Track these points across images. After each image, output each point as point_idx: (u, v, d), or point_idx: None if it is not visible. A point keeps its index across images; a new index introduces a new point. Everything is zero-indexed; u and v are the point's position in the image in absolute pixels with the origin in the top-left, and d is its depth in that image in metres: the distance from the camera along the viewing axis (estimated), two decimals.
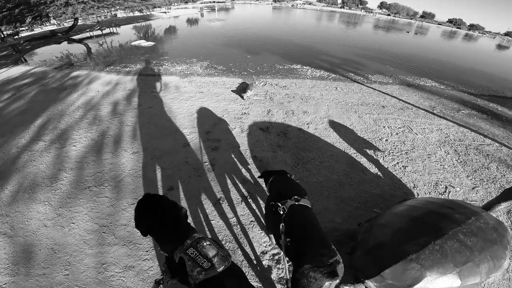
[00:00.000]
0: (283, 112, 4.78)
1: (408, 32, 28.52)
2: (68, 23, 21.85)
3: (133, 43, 13.27)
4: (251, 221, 2.53)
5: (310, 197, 2.83)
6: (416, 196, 2.99)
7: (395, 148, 3.93)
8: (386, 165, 3.50)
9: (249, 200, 2.78)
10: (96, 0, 16.36)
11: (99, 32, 20.14)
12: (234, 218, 2.57)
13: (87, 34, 19.67)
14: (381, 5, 75.20)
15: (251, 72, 7.40)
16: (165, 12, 36.55)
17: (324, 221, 2.54)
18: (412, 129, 4.58)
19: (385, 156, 3.71)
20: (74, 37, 18.75)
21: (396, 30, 28.92)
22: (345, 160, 3.54)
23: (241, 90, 5.62)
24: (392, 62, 10.49)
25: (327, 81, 6.96)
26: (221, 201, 2.74)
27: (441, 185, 3.20)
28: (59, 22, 23.41)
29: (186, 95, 5.60)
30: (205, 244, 1.24)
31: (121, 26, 24.03)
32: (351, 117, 4.77)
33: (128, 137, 4.07)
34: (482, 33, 60.49)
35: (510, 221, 2.74)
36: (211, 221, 2.53)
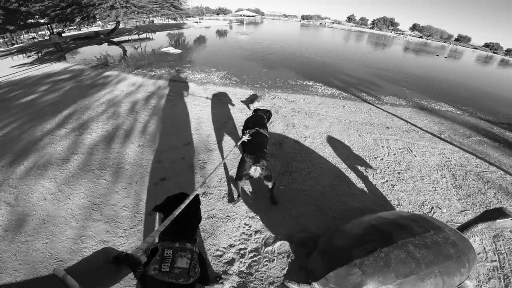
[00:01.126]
0: (284, 124, 4.99)
1: (438, 55, 27.68)
2: (110, 26, 23.96)
3: (162, 49, 14.31)
4: (227, 216, 2.74)
5: (290, 202, 2.99)
6: None
7: (388, 167, 3.94)
8: (374, 182, 3.55)
9: (229, 197, 3.00)
10: (137, 6, 17.89)
11: (136, 37, 21.95)
12: (214, 211, 2.79)
13: (126, 38, 21.52)
14: (414, 27, 73.62)
15: (263, 86, 7.73)
16: (197, 22, 38.93)
17: (297, 225, 2.68)
18: (411, 151, 4.55)
19: (376, 173, 3.75)
20: (114, 39, 20.59)
21: (426, 53, 28.31)
22: (333, 173, 3.64)
23: (250, 101, 5.93)
24: (410, 84, 10.37)
25: (336, 99, 7.09)
26: (205, 195, 2.99)
27: (427, 205, 3.18)
28: (103, 24, 25.85)
29: (198, 101, 6.02)
30: (184, 255, 1.27)
31: (156, 32, 25.97)
32: (351, 135, 4.86)
33: (138, 132, 4.50)
34: None
35: (495, 245, 2.68)
36: None
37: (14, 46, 21.96)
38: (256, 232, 2.58)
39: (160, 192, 3.02)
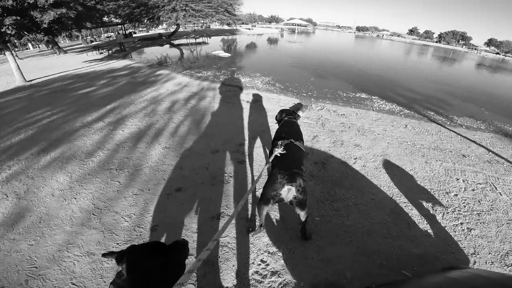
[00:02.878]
0: (330, 140, 4.24)
1: None
2: (173, 29, 25.97)
3: (213, 52, 14.69)
4: (242, 247, 2.18)
5: (325, 239, 2.32)
6: (468, 266, 2.14)
7: (465, 206, 2.97)
8: (444, 223, 2.66)
9: (250, 223, 2.44)
10: (195, 9, 18.99)
11: (193, 40, 23.34)
12: (226, 238, 2.26)
13: (184, 41, 23.02)
14: (490, 42, 63.63)
15: (310, 95, 7.04)
16: (249, 29, 40.06)
17: (329, 271, 2.00)
18: (496, 188, 3.43)
19: (447, 212, 2.83)
20: (173, 42, 22.19)
21: (506, 70, 23.93)
22: (388, 207, 2.81)
23: (295, 109, 5.34)
24: (490, 105, 8.44)
25: (396, 116, 6.00)
26: (220, 217, 2.48)
27: None
28: (167, 27, 28.30)
29: (238, 106, 5.66)
30: None
31: (211, 37, 27.34)
32: (415, 161, 3.87)
33: (168, 132, 4.28)
34: None
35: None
36: (198, 234, 2.30)
37: (93, 43, 25.31)
38: (273, 273, 1.97)
39: (171, 205, 2.62)
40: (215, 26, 38.39)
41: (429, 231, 2.56)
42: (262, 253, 2.14)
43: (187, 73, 9.38)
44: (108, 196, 2.75)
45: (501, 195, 3.30)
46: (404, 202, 2.94)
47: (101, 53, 16.46)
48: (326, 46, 25.45)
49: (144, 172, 3.16)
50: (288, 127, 2.57)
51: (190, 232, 2.32)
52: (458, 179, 3.53)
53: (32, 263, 2.00)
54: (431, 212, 2.83)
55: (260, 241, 2.25)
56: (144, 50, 17.26)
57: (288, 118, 2.77)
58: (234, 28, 32.12)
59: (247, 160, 3.53)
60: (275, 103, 6.00)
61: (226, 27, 31.26)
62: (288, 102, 6.13)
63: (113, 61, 13.09)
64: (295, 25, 49.46)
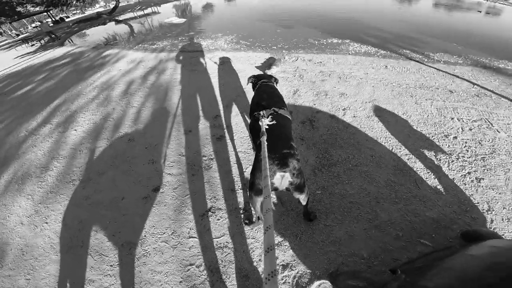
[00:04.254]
0: (313, 93, 3.82)
1: (480, 11, 23.15)
2: (112, 5, 22.64)
3: (165, 21, 13.02)
4: (243, 245, 1.87)
5: (332, 216, 2.04)
6: (486, 227, 1.99)
7: (468, 151, 2.78)
8: (452, 176, 2.45)
9: (246, 214, 2.10)
10: None
11: (141, 12, 20.54)
12: (223, 237, 1.92)
13: (132, 15, 20.20)
14: None
15: (280, 48, 6.39)
16: None
17: (344, 254, 1.77)
18: (492, 124, 3.30)
19: (452, 161, 2.63)
20: (118, 18, 19.39)
21: (464, 9, 23.86)
22: (391, 164, 2.56)
23: (267, 66, 4.77)
24: (460, 40, 8.26)
25: (374, 58, 5.64)
26: (211, 212, 2.10)
27: None
28: (105, 4, 24.56)
29: (204, 73, 4.97)
30: None
31: (161, 5, 24.25)
32: (405, 103, 3.62)
33: (130, 120, 3.65)
34: None
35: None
36: (189, 238, 1.96)
37: (20, 37, 21.64)
38: (284, 267, 1.72)
39: (153, 210, 2.20)
40: None
41: (438, 187, 2.35)
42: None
43: (140, 47, 8.19)
44: (81, 216, 2.29)
45: (498, 132, 3.15)
46: (406, 154, 2.69)
47: (33, 45, 14.09)
48: None
49: (112, 178, 2.65)
50: (266, 93, 2.12)
51: (182, 238, 1.94)
52: (452, 118, 3.33)
53: None
54: (436, 162, 2.62)
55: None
56: (85, 33, 14.93)
57: (263, 83, 2.32)
58: None
59: (226, 134, 3.08)
60: (244, 61, 5.35)
61: None
62: (258, 58, 5.49)
63: (49, 50, 11.17)
64: None
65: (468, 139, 2.97)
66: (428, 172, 2.49)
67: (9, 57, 11.95)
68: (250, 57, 5.62)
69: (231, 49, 6.49)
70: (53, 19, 25.06)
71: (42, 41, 14.46)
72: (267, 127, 1.65)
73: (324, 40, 6.96)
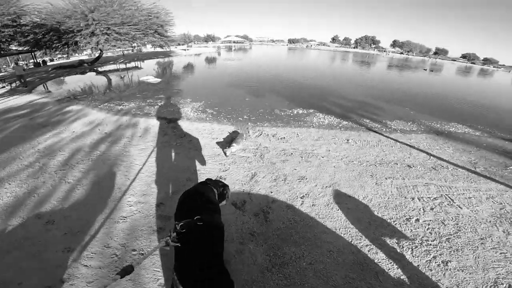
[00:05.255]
0: (272, 177, 3.59)
1: (425, 69, 27.57)
2: (96, 55, 23.08)
3: (141, 79, 13.25)
4: None
5: None
6: None
7: (431, 233, 2.67)
8: (416, 262, 2.29)
9: None
10: (118, 32, 17.08)
11: (123, 66, 20.95)
12: None
13: (114, 66, 20.49)
14: (394, 44, 74.28)
15: (246, 119, 6.44)
16: (185, 50, 38.83)
17: None
18: (453, 200, 3.31)
19: (416, 247, 2.48)
20: (98, 69, 19.47)
21: (411, 68, 28.02)
22: (350, 258, 2.30)
23: (227, 143, 4.60)
24: (411, 104, 9.30)
25: (336, 131, 5.84)
26: None
27: (502, 284, 2.11)
28: (91, 52, 24.92)
29: (160, 147, 4.66)
30: None
31: (145, 61, 25.22)
32: (366, 185, 3.52)
33: (57, 199, 3.11)
34: (497, 67, 55.80)
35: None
36: None
37: None
38: None
39: None
40: (149, 49, 36.23)
41: (402, 277, 2.13)
42: None
43: (105, 106, 7.90)
44: None
45: (460, 208, 3.13)
46: (367, 245, 2.46)
47: (3, 87, 13.21)
48: (262, 61, 26.14)
49: (16, 259, 2.17)
50: (196, 193, 1.79)
51: None
52: (413, 198, 3.27)
53: None
54: (399, 250, 2.42)
55: None
56: (63, 80, 14.57)
57: (202, 184, 1.98)
58: (168, 50, 30.63)
59: (167, 227, 2.60)
60: (207, 135, 5.17)
61: (159, 49, 29.56)
62: (221, 132, 5.36)
63: (15, 96, 10.42)
64: (232, 42, 50.24)
65: (430, 220, 2.86)
66: (390, 262, 2.26)
67: None
68: (214, 130, 5.50)
69: (196, 118, 6.42)
70: (35, 61, 24.62)
71: (14, 84, 13.64)
72: (167, 248, 1.35)
73: (289, 111, 7.23)
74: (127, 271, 1.15)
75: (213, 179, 2.13)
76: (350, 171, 3.88)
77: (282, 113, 7.03)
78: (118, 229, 2.58)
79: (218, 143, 4.69)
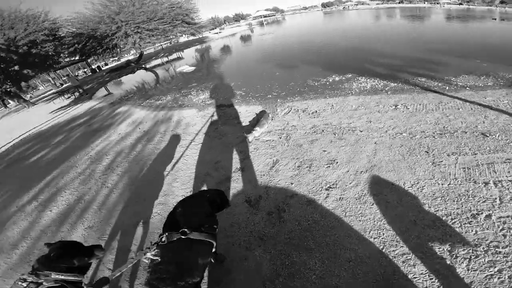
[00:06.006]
0: (294, 164, 3.17)
1: (495, 19, 20.89)
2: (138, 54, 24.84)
3: (177, 70, 13.72)
4: None
5: None
6: None
7: (505, 236, 1.86)
8: (470, 278, 1.65)
9: None
10: (148, 29, 17.86)
11: (166, 59, 22.14)
12: None
13: (159, 61, 21.75)
14: None
15: (275, 96, 5.97)
16: (217, 33, 38.72)
17: None
18: None
19: (475, 256, 1.77)
20: (145, 66, 20.91)
21: (476, 18, 21.81)
22: (374, 271, 1.80)
23: (252, 126, 4.33)
24: (484, 55, 6.90)
25: (382, 95, 4.88)
26: None
27: None
28: (134, 52, 27.09)
29: (188, 138, 4.70)
30: None
31: (184, 51, 26.16)
32: (418, 166, 2.76)
33: (97, 204, 3.44)
34: None
35: None
36: None
37: (64, 86, 23.92)
38: None
39: None
40: (186, 38, 37.26)
41: None
42: None
43: (147, 104, 8.43)
44: None
45: None
46: (403, 254, 1.89)
47: (68, 97, 15.23)
48: (294, 30, 24.12)
49: None
50: (187, 205, 1.67)
51: None
52: (487, 183, 2.36)
53: None
54: (448, 261, 1.78)
55: None
56: (120, 81, 16.11)
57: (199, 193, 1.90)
58: (200, 36, 30.90)
59: None
60: (234, 119, 4.99)
61: (192, 37, 30.12)
62: (248, 114, 5.07)
63: (78, 105, 12.06)
64: (262, 16, 47.92)
65: (508, 216, 2.01)
66: (431, 279, 1.68)
67: (46, 111, 12.91)
68: (241, 113, 5.27)
69: (226, 102, 6.26)
70: (91, 67, 27.90)
71: (76, 94, 15.58)
72: (146, 261, 1.36)
73: (324, 80, 6.40)
74: (102, 282, 1.21)
75: (214, 189, 1.97)
76: (397, 148, 3.14)
77: (316, 83, 6.27)
78: (141, 233, 2.67)
79: (244, 126, 4.47)
